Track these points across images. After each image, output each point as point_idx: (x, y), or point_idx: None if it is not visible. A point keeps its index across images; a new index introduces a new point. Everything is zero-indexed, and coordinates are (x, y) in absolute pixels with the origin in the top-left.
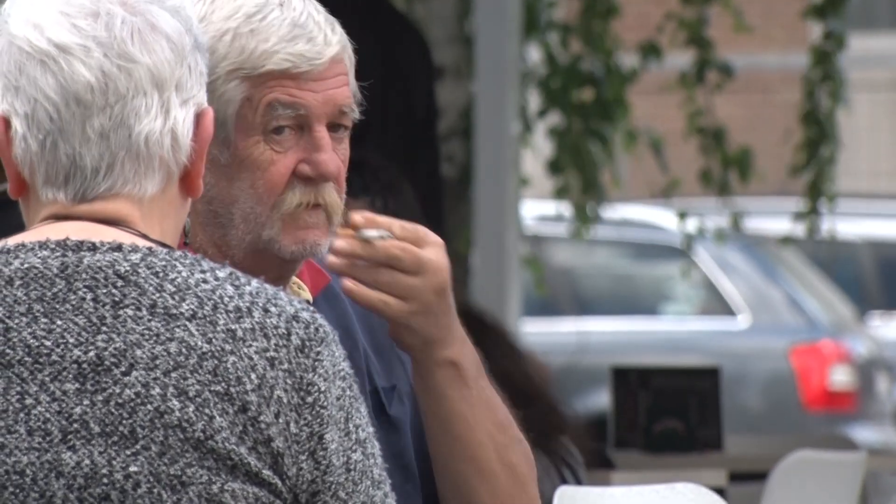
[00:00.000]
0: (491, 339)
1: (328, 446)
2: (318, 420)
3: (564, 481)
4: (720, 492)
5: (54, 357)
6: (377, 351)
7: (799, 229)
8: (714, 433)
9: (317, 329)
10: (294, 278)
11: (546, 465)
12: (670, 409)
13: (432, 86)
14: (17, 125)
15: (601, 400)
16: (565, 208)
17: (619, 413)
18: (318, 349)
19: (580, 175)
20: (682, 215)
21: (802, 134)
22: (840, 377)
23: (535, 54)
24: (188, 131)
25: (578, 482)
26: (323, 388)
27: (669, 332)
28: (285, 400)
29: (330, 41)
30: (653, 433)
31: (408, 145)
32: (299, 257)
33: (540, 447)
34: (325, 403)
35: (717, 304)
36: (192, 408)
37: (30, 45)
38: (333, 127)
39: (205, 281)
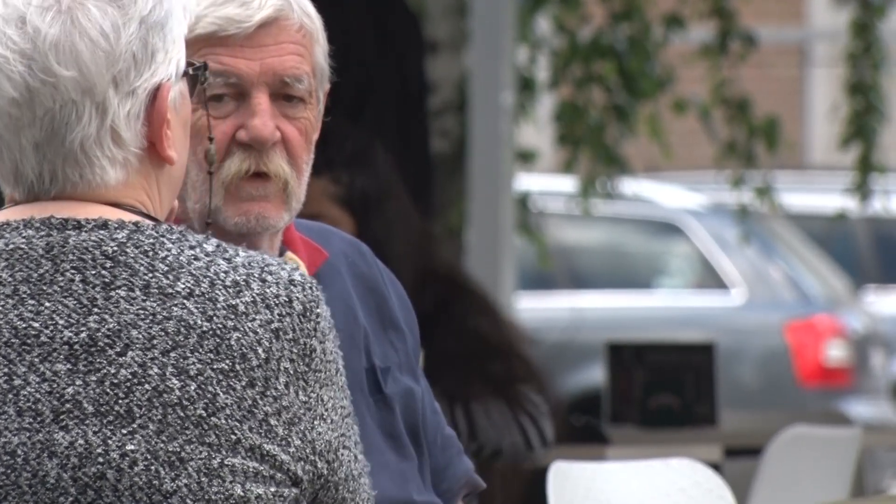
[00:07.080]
0: (466, 297)
1: (328, 404)
2: (318, 383)
3: (524, 430)
4: (715, 467)
5: (43, 338)
6: (375, 331)
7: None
8: (709, 409)
9: (312, 289)
10: (289, 253)
11: (504, 411)
12: (665, 385)
13: (423, 61)
14: None
15: (596, 376)
16: (573, 183)
17: (614, 389)
18: (317, 310)
19: (594, 150)
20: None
21: (848, 106)
22: (835, 352)
23: (543, 25)
24: (134, 120)
25: (540, 431)
26: (318, 350)
27: (664, 308)
28: (292, 370)
29: (263, 5)
30: (648, 409)
31: (400, 121)
32: (244, 230)
33: (501, 396)
34: (321, 365)
35: (713, 280)
36: (193, 386)
37: None
38: (286, 97)
39: (196, 258)
